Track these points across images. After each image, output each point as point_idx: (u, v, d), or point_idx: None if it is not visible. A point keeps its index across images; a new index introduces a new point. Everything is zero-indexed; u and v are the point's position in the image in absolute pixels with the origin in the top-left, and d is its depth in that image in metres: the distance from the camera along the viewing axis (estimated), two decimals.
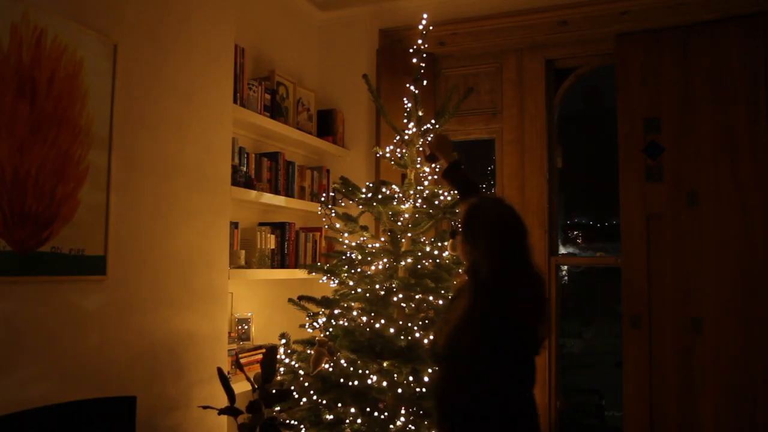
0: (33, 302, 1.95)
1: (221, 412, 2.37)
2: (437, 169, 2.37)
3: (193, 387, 2.53)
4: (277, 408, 2.51)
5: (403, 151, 2.64)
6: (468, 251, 1.84)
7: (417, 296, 2.49)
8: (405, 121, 2.63)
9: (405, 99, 2.62)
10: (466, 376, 1.73)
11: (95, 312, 2.14)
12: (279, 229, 3.28)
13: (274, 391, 2.44)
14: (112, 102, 2.22)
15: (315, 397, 2.46)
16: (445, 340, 1.80)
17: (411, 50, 2.63)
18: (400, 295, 2.46)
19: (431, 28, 2.69)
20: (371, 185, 2.65)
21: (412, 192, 2.58)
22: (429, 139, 2.52)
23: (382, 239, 2.68)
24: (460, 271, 2.55)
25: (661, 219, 3.27)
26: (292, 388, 2.48)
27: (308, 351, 2.59)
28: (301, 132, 3.43)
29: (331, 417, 2.42)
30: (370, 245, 2.66)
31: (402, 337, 2.36)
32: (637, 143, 3.33)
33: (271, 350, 2.47)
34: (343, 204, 3.13)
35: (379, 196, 2.59)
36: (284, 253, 3.28)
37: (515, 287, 1.74)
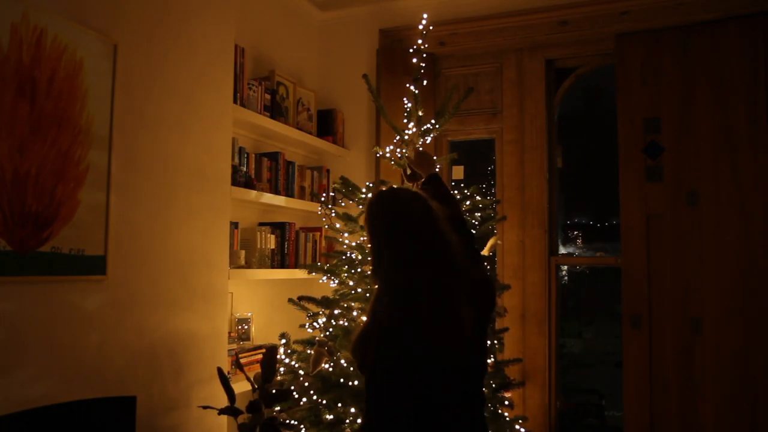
0: (33, 302, 1.95)
1: (221, 412, 2.37)
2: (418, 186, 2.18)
3: (193, 387, 2.53)
4: (277, 408, 2.51)
5: (403, 151, 2.64)
6: None
7: None
8: (405, 121, 2.62)
9: (405, 99, 2.62)
10: (370, 390, 1.52)
11: (95, 312, 2.14)
12: (279, 229, 3.28)
13: (274, 391, 2.44)
14: (112, 102, 2.22)
15: (315, 397, 2.46)
16: (352, 347, 1.57)
17: (411, 50, 2.63)
18: None
19: (431, 28, 2.69)
20: (371, 185, 2.65)
21: None
22: (410, 156, 2.33)
23: None
24: None
25: (661, 219, 3.28)
26: (292, 388, 2.48)
27: (308, 351, 2.59)
28: (301, 132, 3.44)
29: (331, 417, 2.41)
30: (370, 245, 2.65)
31: None
32: (637, 143, 3.33)
33: (271, 350, 2.47)
34: (343, 204, 3.13)
35: None
36: (284, 253, 3.28)
37: (402, 290, 1.50)
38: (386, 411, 1.48)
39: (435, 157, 2.25)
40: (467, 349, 1.51)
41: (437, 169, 2.16)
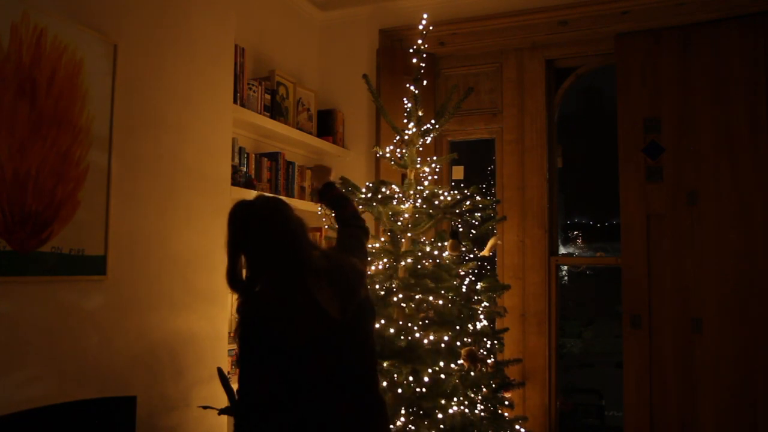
0: (33, 302, 1.95)
1: (221, 412, 2.37)
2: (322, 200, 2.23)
3: (193, 387, 2.53)
4: None
5: (403, 151, 2.64)
6: None
7: (417, 296, 2.49)
8: (405, 121, 2.63)
9: (405, 99, 2.62)
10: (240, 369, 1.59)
11: (95, 312, 2.14)
12: None
13: None
14: (112, 102, 2.22)
15: None
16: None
17: (411, 50, 2.63)
18: (400, 295, 2.46)
19: (431, 28, 2.69)
20: (371, 185, 2.65)
21: (412, 192, 2.58)
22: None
23: (382, 239, 2.68)
24: (461, 272, 2.55)
25: (661, 219, 3.28)
26: None
27: None
28: (301, 132, 3.44)
29: None
30: (370, 245, 2.65)
31: (402, 338, 2.36)
32: (637, 143, 3.34)
33: None
34: None
35: (379, 196, 2.59)
36: None
37: (259, 291, 1.61)
38: (250, 391, 1.51)
39: (329, 170, 2.29)
40: (333, 329, 1.56)
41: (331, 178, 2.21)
